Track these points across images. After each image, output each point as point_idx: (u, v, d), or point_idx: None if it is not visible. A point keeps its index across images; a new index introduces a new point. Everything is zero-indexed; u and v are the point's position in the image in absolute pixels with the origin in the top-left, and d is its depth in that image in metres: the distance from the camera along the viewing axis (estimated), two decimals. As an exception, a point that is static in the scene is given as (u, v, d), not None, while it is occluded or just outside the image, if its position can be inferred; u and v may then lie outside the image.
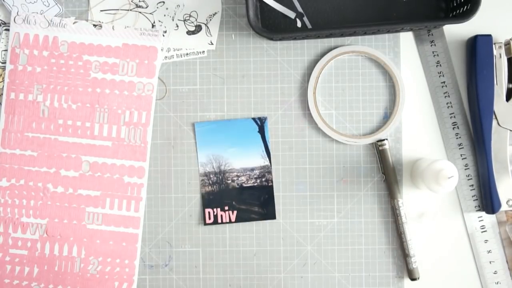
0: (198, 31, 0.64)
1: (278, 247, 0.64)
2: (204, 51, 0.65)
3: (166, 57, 0.65)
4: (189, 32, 0.64)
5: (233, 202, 0.64)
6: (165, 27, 0.64)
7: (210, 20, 0.64)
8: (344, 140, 0.64)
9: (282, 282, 0.64)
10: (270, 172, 0.64)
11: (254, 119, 0.65)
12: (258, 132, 0.64)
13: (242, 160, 0.64)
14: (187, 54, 0.65)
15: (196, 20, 0.64)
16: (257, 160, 0.64)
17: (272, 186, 0.64)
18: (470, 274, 0.64)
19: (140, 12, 0.65)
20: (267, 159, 0.64)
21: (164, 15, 0.64)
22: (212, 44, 0.64)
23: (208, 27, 0.64)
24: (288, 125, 0.65)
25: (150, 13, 0.64)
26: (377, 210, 0.65)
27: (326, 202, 0.64)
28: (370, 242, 0.64)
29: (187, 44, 0.65)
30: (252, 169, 0.64)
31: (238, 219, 0.64)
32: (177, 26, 0.64)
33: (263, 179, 0.64)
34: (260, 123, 0.64)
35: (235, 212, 0.64)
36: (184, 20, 0.64)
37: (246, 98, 0.65)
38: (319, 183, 0.64)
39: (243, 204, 0.64)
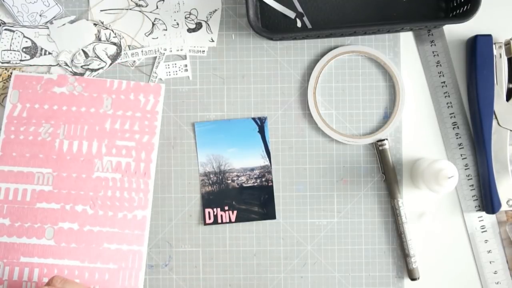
0: (199, 29, 0.64)
1: (278, 247, 0.64)
2: (204, 51, 0.65)
3: (167, 56, 0.65)
4: (190, 30, 0.64)
5: (233, 202, 0.64)
6: (165, 25, 0.65)
7: (210, 17, 0.64)
8: (344, 140, 0.64)
9: (282, 282, 0.64)
10: (270, 172, 0.64)
11: (254, 119, 0.65)
12: (258, 132, 0.64)
13: (242, 160, 0.64)
14: (189, 50, 0.65)
15: (196, 17, 0.64)
16: (257, 160, 0.64)
17: (272, 186, 0.64)
18: (470, 274, 0.64)
19: (140, 11, 0.65)
20: (267, 159, 0.64)
21: (166, 10, 0.64)
22: (213, 41, 0.64)
23: (208, 24, 0.64)
24: (288, 125, 0.65)
25: (150, 12, 0.64)
26: (377, 210, 0.65)
27: (326, 202, 0.64)
28: (370, 242, 0.64)
29: (188, 41, 0.65)
30: (252, 169, 0.64)
31: (238, 219, 0.64)
32: (178, 24, 0.64)
33: (263, 179, 0.64)
34: (260, 123, 0.64)
35: (235, 212, 0.64)
36: (185, 18, 0.64)
37: (246, 98, 0.65)
38: (319, 183, 0.64)
39: (243, 204, 0.64)
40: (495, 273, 0.64)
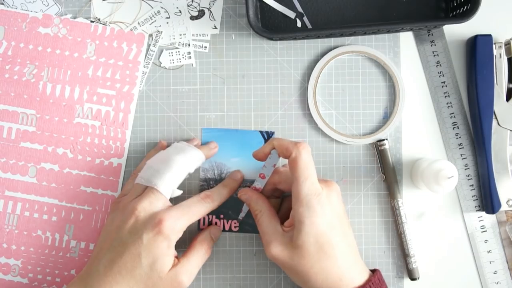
0: (202, 16, 0.64)
1: (278, 247, 0.64)
2: (206, 46, 0.65)
3: (170, 43, 0.65)
4: (193, 17, 0.64)
5: (229, 212, 0.64)
6: (168, 13, 0.64)
7: (213, 4, 0.64)
8: (344, 140, 0.64)
9: (282, 282, 0.64)
10: None
11: (261, 132, 0.64)
12: None
13: (243, 171, 0.64)
14: (192, 39, 0.64)
15: (199, 5, 0.64)
16: (258, 173, 0.64)
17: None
18: (470, 274, 0.64)
19: (142, 0, 0.65)
20: None
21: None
22: (216, 28, 0.64)
23: (211, 12, 0.64)
24: (288, 125, 0.65)
25: (153, 0, 0.64)
26: (377, 210, 0.65)
27: (326, 202, 0.64)
28: (370, 242, 0.64)
29: (191, 29, 0.64)
30: (253, 182, 0.64)
31: (232, 229, 0.64)
32: (180, 12, 0.64)
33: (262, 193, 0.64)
34: (267, 137, 0.64)
35: (229, 221, 0.64)
36: (187, 6, 0.64)
37: (246, 98, 0.65)
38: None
39: (238, 215, 0.63)
40: (495, 273, 0.64)
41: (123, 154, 0.64)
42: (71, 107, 0.64)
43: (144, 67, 0.64)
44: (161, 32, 0.64)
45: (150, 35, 0.65)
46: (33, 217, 0.64)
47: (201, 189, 0.64)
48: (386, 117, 0.65)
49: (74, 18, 0.64)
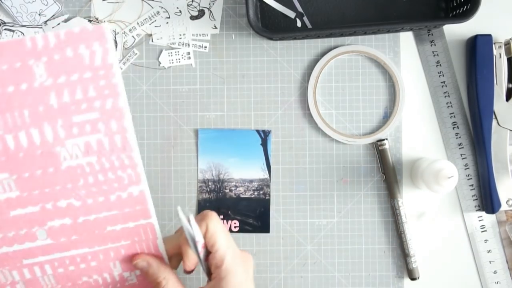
0: (202, 16, 0.64)
1: (278, 247, 0.64)
2: (206, 46, 0.65)
3: (169, 43, 0.65)
4: (193, 17, 0.64)
5: (229, 212, 0.64)
6: (168, 13, 0.64)
7: (213, 4, 0.64)
8: (344, 140, 0.64)
9: (282, 282, 0.64)
10: (268, 186, 0.64)
11: (258, 131, 0.64)
12: (261, 144, 0.64)
13: (242, 171, 0.64)
14: (192, 39, 0.64)
15: (198, 5, 0.64)
16: (256, 172, 0.64)
17: (269, 200, 0.64)
18: (470, 274, 0.64)
19: (142, 0, 0.64)
20: (267, 172, 0.64)
21: None
22: (216, 28, 0.64)
23: (211, 11, 0.64)
24: (288, 125, 0.65)
25: (153, 0, 0.64)
26: (377, 210, 0.65)
27: (326, 202, 0.64)
28: (370, 242, 0.64)
29: (191, 29, 0.64)
30: (251, 181, 0.64)
31: (232, 229, 0.64)
32: (180, 11, 0.64)
33: (261, 192, 0.64)
34: (264, 136, 0.64)
35: (229, 222, 0.64)
36: (187, 5, 0.64)
37: (246, 98, 0.65)
38: (319, 183, 0.64)
39: (238, 215, 0.64)
40: (494, 273, 0.64)
41: (140, 179, 0.51)
42: (50, 152, 0.49)
43: (122, 63, 0.64)
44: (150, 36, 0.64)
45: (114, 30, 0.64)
46: (69, 270, 0.54)
47: (200, 190, 0.64)
48: (386, 117, 0.65)
49: (69, 19, 0.64)
